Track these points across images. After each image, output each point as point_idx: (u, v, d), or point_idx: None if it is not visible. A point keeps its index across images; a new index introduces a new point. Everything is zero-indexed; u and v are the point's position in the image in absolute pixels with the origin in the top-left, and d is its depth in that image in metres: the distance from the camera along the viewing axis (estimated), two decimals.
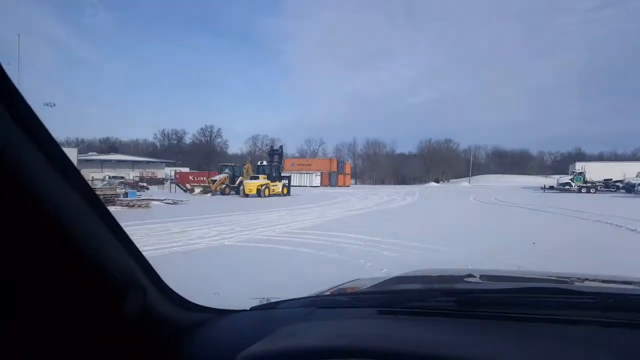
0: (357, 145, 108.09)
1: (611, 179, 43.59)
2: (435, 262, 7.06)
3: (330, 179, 66.40)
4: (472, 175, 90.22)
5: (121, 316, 0.80)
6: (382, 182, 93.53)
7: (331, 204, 23.31)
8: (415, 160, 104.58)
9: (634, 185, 37.21)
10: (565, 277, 1.62)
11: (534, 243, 9.12)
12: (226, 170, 33.09)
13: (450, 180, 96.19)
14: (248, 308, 1.23)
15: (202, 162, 78.79)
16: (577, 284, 1.50)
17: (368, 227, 12.13)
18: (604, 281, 1.67)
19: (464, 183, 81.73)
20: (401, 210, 20.07)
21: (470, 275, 1.50)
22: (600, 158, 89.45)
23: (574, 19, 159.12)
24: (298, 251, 8.27)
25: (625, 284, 1.63)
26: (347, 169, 76.79)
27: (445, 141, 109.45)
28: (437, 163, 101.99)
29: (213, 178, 32.01)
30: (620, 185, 41.26)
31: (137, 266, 0.88)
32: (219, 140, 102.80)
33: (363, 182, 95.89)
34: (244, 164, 33.73)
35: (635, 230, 11.36)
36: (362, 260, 7.27)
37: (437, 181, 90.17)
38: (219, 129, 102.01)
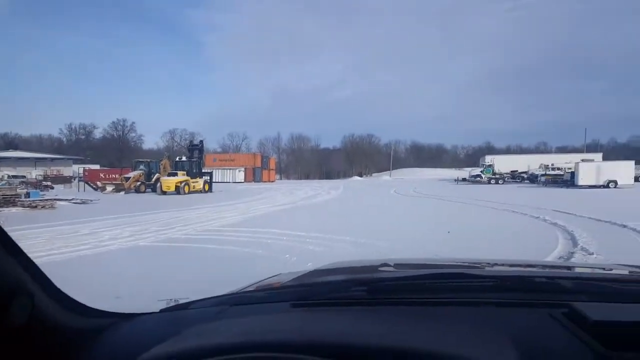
0: (282, 139, 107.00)
1: (517, 171, 47.83)
2: (360, 254, 7.15)
3: (254, 175, 65.43)
4: (393, 168, 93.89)
5: (6, 325, 0.77)
6: (307, 177, 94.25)
7: (255, 199, 22.99)
8: (339, 155, 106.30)
9: (537, 176, 41.07)
10: (476, 263, 1.69)
11: (448, 232, 9.66)
12: (141, 167, 31.63)
13: (373, 174, 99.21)
14: (157, 310, 1.17)
15: (114, 159, 73.95)
16: (486, 268, 1.58)
17: (293, 222, 12.08)
18: (511, 265, 1.77)
19: (385, 177, 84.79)
20: (326, 204, 20.28)
21: (385, 265, 1.52)
22: (508, 151, 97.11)
23: (485, 21, 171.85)
24: (220, 249, 7.97)
25: (529, 267, 1.75)
26: (272, 164, 76.15)
27: (367, 136, 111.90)
28: (360, 157, 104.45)
29: (126, 175, 30.38)
30: (525, 176, 45.36)
31: (24, 272, 0.84)
32: (133, 134, 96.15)
33: (288, 177, 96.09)
34: (161, 160, 32.46)
35: (539, 217, 12.40)
36: (287, 256, 7.17)
37: (360, 175, 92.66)
38: (133, 122, 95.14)
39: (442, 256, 6.10)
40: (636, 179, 34.89)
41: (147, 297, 4.38)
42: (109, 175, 35.39)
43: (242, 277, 1.62)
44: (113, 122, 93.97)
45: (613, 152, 75.95)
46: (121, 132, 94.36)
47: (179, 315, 1.13)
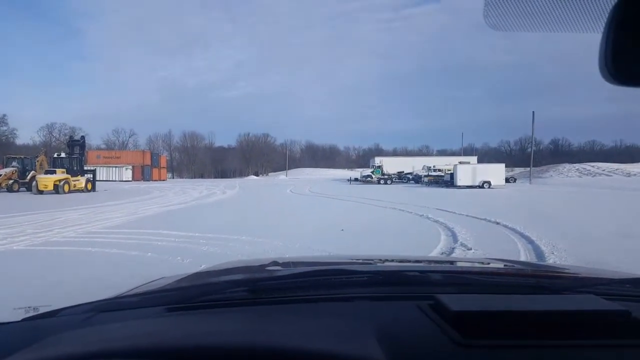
0: (174, 137, 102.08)
1: (403, 172, 51.17)
2: (256, 253, 7.13)
3: (143, 173, 61.61)
4: (289, 168, 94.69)
5: None
6: (202, 176, 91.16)
7: (144, 199, 21.72)
8: (235, 154, 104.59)
9: (420, 177, 44.33)
10: (360, 259, 1.74)
11: (342, 230, 10.07)
12: (14, 164, 28.59)
13: (269, 174, 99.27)
14: (18, 320, 1.05)
15: None
16: (366, 264, 1.63)
17: (186, 223, 11.64)
18: (391, 260, 1.84)
19: (281, 176, 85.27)
20: (221, 204, 19.86)
21: (274, 264, 1.52)
22: (395, 153, 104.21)
23: (368, 29, 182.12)
24: (104, 252, 7.39)
25: (406, 262, 1.83)
26: (163, 162, 72.32)
27: (263, 135, 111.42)
28: (256, 156, 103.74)
29: None
30: (410, 177, 48.72)
31: None
32: (4, 128, 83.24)
33: (181, 176, 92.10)
34: (37, 156, 29.86)
35: (423, 215, 13.41)
36: (179, 258, 6.89)
37: (256, 174, 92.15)
38: (4, 115, 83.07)
39: (334, 253, 6.38)
40: (507, 180, 39.44)
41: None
42: None
43: (126, 283, 1.53)
44: None
45: (486, 155, 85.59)
46: None
47: (42, 324, 1.04)
